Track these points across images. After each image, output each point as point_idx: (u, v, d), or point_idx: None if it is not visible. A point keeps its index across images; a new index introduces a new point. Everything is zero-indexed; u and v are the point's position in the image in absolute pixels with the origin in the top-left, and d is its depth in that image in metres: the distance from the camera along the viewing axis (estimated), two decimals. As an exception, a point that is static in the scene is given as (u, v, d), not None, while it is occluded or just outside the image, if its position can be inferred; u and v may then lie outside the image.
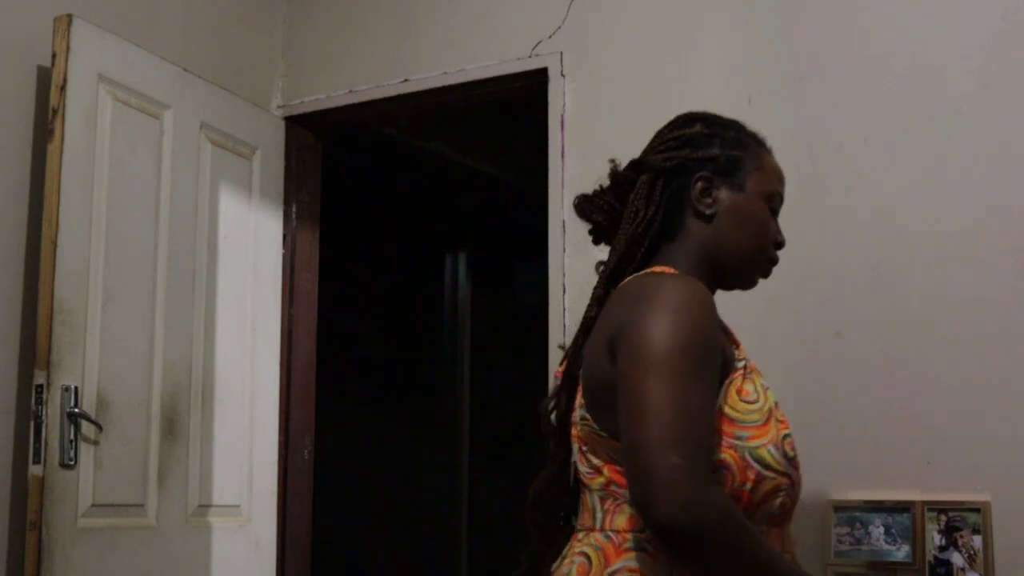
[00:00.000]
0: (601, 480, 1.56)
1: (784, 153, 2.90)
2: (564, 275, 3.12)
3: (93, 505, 2.88)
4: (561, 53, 3.20)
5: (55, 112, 2.88)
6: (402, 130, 4.52)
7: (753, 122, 2.92)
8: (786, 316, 2.82)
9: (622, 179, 1.76)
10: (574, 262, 3.10)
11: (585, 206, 1.81)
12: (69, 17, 2.91)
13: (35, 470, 2.77)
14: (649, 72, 3.09)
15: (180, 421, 3.16)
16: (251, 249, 3.48)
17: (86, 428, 2.86)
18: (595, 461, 1.57)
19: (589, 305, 1.70)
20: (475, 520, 5.94)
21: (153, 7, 3.36)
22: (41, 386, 2.79)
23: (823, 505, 2.63)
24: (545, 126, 3.21)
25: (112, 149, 3.01)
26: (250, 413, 3.42)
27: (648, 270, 1.64)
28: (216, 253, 3.34)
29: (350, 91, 3.59)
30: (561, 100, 3.18)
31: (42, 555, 2.72)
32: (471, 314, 6.12)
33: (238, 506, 3.35)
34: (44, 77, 2.96)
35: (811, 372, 2.77)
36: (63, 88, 2.89)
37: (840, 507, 2.62)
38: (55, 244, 2.83)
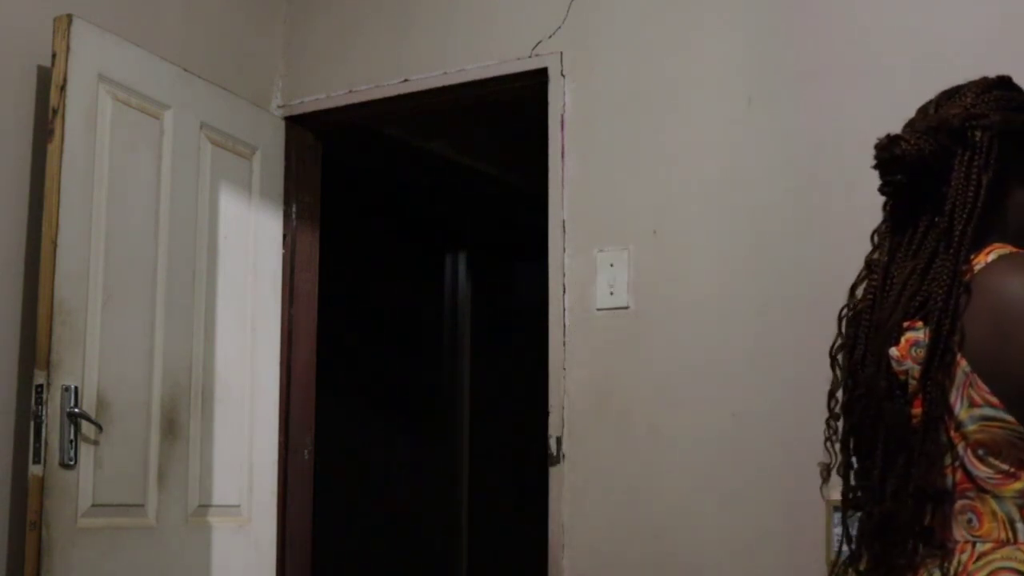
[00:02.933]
0: (1018, 486, 1.45)
1: (784, 153, 2.92)
2: (564, 275, 3.12)
3: (93, 505, 2.88)
4: (561, 53, 3.20)
5: (55, 112, 2.88)
6: (402, 130, 4.52)
7: (753, 122, 2.94)
8: (785, 316, 2.82)
9: (951, 129, 1.57)
10: (574, 262, 3.10)
11: (906, 142, 1.59)
12: (69, 17, 2.91)
13: (35, 470, 2.77)
14: (649, 72, 3.09)
15: (180, 421, 3.16)
16: (251, 249, 3.48)
17: (86, 428, 2.86)
18: (1003, 466, 1.46)
19: (951, 287, 1.49)
20: (475, 519, 5.94)
21: (153, 7, 3.36)
22: (41, 386, 2.79)
23: (823, 505, 2.62)
24: (545, 126, 3.21)
25: (112, 149, 3.01)
26: (250, 413, 3.42)
27: (1001, 249, 1.52)
28: (216, 253, 3.34)
29: (350, 91, 3.59)
30: (561, 100, 3.18)
31: (42, 555, 2.72)
32: (471, 314, 6.12)
33: (238, 506, 3.35)
34: (44, 77, 2.96)
35: (811, 372, 2.76)
36: (63, 88, 2.89)
37: (840, 507, 2.62)
38: (55, 244, 2.83)
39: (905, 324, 1.53)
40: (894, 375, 1.53)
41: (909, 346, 1.52)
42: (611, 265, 3.04)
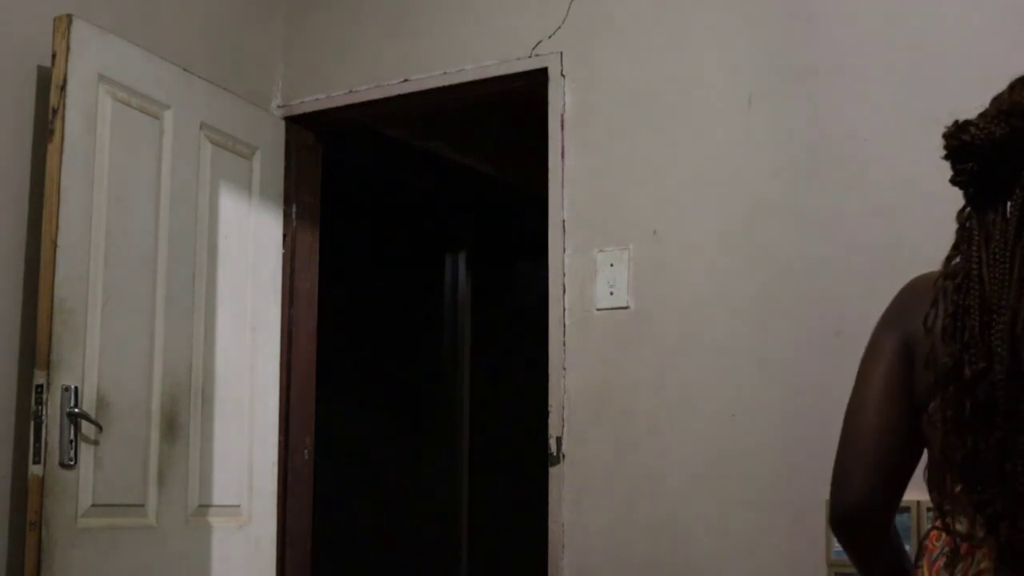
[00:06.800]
0: None
1: (784, 153, 2.92)
2: (564, 275, 3.12)
3: (93, 505, 2.88)
4: (561, 53, 3.20)
5: (55, 112, 2.88)
6: (402, 130, 4.52)
7: (753, 122, 2.94)
8: (786, 316, 2.82)
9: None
10: (574, 262, 3.10)
11: (976, 128, 1.48)
12: (69, 17, 2.91)
13: (35, 470, 2.77)
14: (649, 72, 3.09)
15: (180, 421, 3.16)
16: (251, 249, 3.48)
17: (86, 428, 2.86)
18: None
19: None
20: (475, 520, 5.94)
21: (153, 7, 3.36)
22: (41, 386, 2.79)
23: (823, 505, 2.63)
24: (545, 126, 3.21)
25: (112, 149, 3.01)
26: (250, 413, 3.42)
27: None
28: (216, 253, 3.34)
29: (350, 91, 3.59)
30: (561, 100, 3.18)
31: (42, 555, 2.72)
32: (471, 314, 6.12)
33: (238, 506, 3.35)
34: (44, 77, 2.96)
35: (811, 372, 2.77)
36: (63, 88, 2.89)
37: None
38: (55, 244, 2.83)
39: None
40: None
41: None
42: (611, 265, 3.04)
